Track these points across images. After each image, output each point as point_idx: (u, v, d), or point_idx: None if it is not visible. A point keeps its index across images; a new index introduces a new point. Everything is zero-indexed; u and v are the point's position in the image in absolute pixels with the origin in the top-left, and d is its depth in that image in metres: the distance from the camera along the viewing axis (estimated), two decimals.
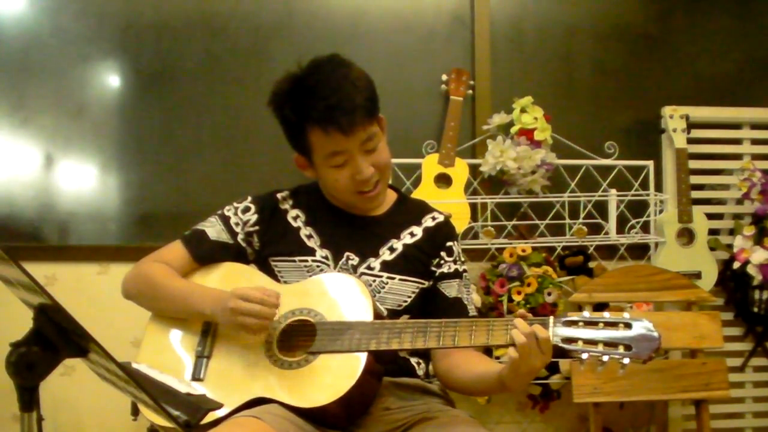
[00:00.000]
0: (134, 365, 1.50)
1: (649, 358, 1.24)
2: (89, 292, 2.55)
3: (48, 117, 2.67)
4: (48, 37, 2.67)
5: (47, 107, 2.67)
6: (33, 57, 2.66)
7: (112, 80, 2.75)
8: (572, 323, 1.30)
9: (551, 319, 1.31)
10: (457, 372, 1.54)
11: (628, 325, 1.26)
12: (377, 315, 1.47)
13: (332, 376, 1.40)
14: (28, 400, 0.97)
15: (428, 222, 1.69)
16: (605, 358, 1.25)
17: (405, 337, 1.40)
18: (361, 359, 1.40)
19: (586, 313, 1.32)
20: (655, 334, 1.24)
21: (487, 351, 2.38)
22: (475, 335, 1.36)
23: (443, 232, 1.68)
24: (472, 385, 1.53)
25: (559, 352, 1.30)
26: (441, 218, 1.71)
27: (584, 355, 1.26)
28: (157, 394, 1.34)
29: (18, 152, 2.65)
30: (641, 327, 1.25)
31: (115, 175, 2.71)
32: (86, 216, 2.68)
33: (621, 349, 1.25)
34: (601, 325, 1.28)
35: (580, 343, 1.27)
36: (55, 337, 0.97)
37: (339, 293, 1.51)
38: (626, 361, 1.24)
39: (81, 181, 2.70)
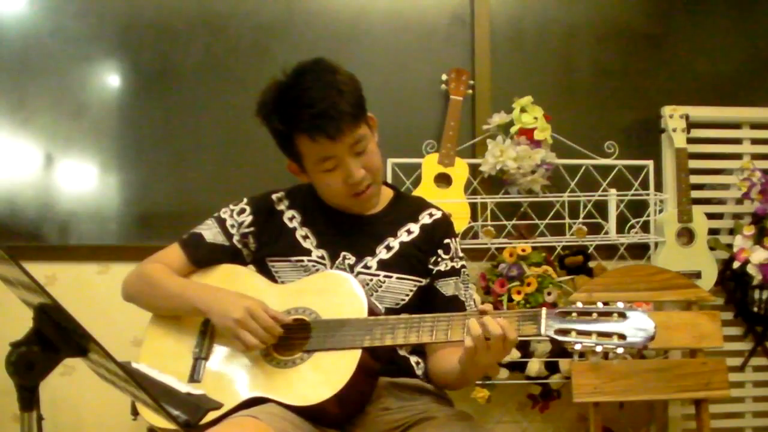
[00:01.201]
0: (134, 365, 1.50)
1: (644, 347, 1.23)
2: (89, 292, 2.55)
3: (48, 117, 2.67)
4: (48, 37, 2.67)
5: (47, 107, 2.67)
6: (33, 57, 2.66)
7: (112, 80, 2.75)
8: (566, 314, 1.29)
9: (543, 310, 1.31)
10: (440, 365, 1.56)
11: (622, 315, 1.26)
12: (373, 312, 1.47)
13: (326, 374, 1.40)
14: (28, 399, 0.97)
15: (425, 219, 1.68)
16: (599, 348, 1.25)
17: (398, 333, 1.42)
18: (355, 356, 1.40)
19: (580, 304, 1.31)
20: (650, 322, 1.24)
21: None
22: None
23: (441, 229, 1.68)
24: (451, 377, 1.53)
25: (556, 344, 1.31)
26: (438, 215, 1.71)
27: (577, 346, 1.26)
28: (157, 394, 1.34)
29: (18, 152, 2.65)
30: (635, 316, 1.25)
31: (115, 175, 2.71)
32: (86, 216, 2.67)
33: (615, 339, 1.24)
34: (595, 315, 1.28)
35: (573, 334, 1.27)
36: (55, 337, 0.97)
37: (334, 291, 1.51)
38: (620, 351, 1.24)
39: (81, 181, 2.70)
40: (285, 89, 1.54)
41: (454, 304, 1.62)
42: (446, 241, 1.67)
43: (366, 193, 1.59)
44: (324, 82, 1.51)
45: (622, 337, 1.24)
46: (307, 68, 1.55)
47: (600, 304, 1.29)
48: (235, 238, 1.66)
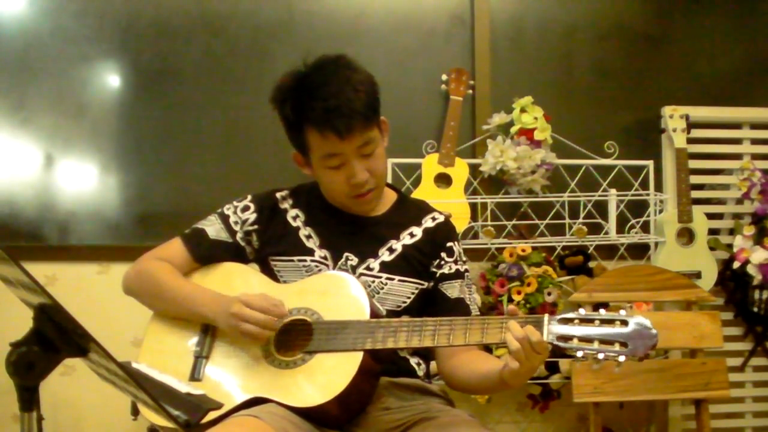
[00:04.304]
0: (134, 365, 1.50)
1: (645, 355, 1.23)
2: (89, 292, 2.55)
3: (48, 117, 2.67)
4: (48, 37, 2.67)
5: (47, 107, 2.67)
6: (33, 57, 2.66)
7: (112, 80, 2.75)
8: (568, 321, 1.29)
9: (546, 317, 1.31)
10: (462, 371, 1.55)
11: (624, 322, 1.26)
12: (375, 314, 1.47)
13: (328, 376, 1.40)
14: (28, 399, 0.97)
15: (428, 222, 1.68)
16: (600, 355, 1.24)
17: (400, 336, 1.41)
18: (356, 358, 1.40)
19: (582, 310, 1.31)
20: (652, 331, 1.24)
21: (488, 349, 2.38)
22: (469, 334, 1.37)
23: (443, 232, 1.68)
24: (477, 384, 1.53)
25: (558, 351, 1.30)
26: (441, 219, 1.71)
27: (579, 353, 1.26)
28: (157, 393, 1.34)
29: (18, 152, 2.65)
30: (637, 324, 1.25)
31: (115, 175, 2.71)
32: (86, 216, 2.67)
33: (617, 347, 1.24)
34: (597, 322, 1.27)
35: (575, 340, 1.27)
36: (55, 337, 0.97)
37: (336, 292, 1.51)
38: (622, 358, 1.23)
39: (81, 181, 2.70)
40: (302, 78, 1.54)
41: (460, 307, 1.62)
42: (449, 244, 1.67)
43: (366, 197, 1.60)
44: (342, 78, 1.51)
45: (624, 344, 1.24)
46: (328, 62, 1.55)
47: (602, 311, 1.29)
48: (239, 235, 1.66)
